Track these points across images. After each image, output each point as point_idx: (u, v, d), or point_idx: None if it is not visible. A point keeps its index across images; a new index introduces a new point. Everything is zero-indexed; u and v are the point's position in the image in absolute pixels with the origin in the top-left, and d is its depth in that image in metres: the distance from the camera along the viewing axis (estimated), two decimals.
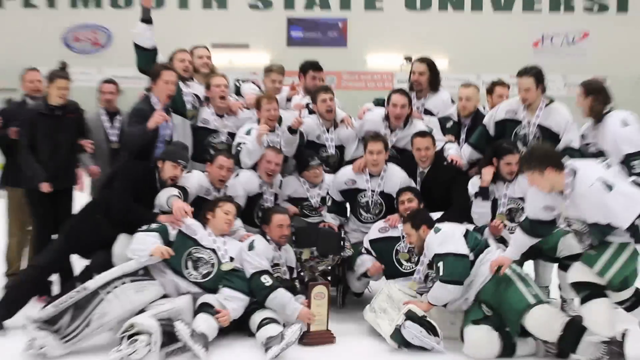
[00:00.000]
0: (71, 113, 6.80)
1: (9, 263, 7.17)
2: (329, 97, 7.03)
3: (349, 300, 6.95)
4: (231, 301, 5.74)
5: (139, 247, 5.73)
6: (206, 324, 5.49)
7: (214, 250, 5.98)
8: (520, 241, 5.50)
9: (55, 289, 6.61)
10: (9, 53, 22.13)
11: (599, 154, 6.10)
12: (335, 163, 7.15)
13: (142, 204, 6.11)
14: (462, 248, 5.61)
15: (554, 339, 5.28)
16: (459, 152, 6.81)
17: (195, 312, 5.67)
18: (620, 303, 5.37)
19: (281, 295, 5.77)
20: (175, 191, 6.10)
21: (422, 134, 6.70)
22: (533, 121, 6.49)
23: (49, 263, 6.13)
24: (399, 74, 23.67)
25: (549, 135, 6.41)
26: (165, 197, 6.05)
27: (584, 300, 5.22)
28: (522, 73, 6.50)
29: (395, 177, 6.70)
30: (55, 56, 20.65)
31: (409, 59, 24.17)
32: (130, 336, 5.09)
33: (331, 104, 7.03)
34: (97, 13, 25.10)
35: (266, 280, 5.81)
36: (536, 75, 6.46)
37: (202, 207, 6.22)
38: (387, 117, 6.97)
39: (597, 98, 6.17)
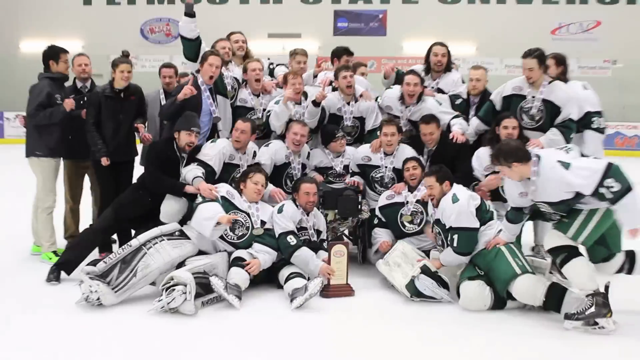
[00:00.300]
0: (132, 95, 6.72)
1: (66, 227, 7.09)
2: (349, 74, 6.87)
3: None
4: (260, 253, 5.68)
5: (207, 215, 5.63)
6: (238, 275, 5.42)
7: (248, 215, 5.86)
8: (510, 229, 5.43)
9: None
10: (95, 43, 22.35)
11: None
12: (356, 133, 7.00)
13: (169, 173, 6.06)
14: (474, 222, 5.49)
15: (539, 303, 5.13)
16: (462, 129, 6.63)
17: (230, 266, 5.59)
18: (619, 271, 5.28)
19: (304, 253, 5.69)
20: (199, 172, 6.00)
21: (426, 120, 6.54)
22: (537, 96, 6.32)
23: (102, 228, 6.13)
24: None
25: (551, 108, 6.28)
26: (190, 178, 5.96)
27: (562, 263, 5.04)
28: (526, 55, 6.33)
29: (406, 155, 6.53)
30: (134, 46, 21.00)
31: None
32: (168, 288, 5.01)
33: (351, 80, 6.86)
34: (170, 8, 25.23)
35: (291, 240, 5.73)
36: (539, 56, 6.29)
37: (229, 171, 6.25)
38: (402, 96, 6.82)
39: (565, 68, 6.59)
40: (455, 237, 5.45)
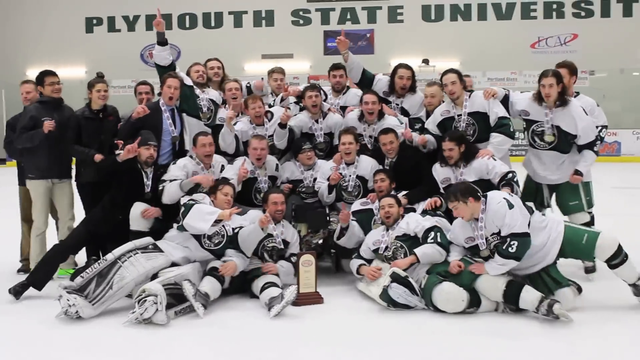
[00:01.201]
0: (110, 115, 6.68)
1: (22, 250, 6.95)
2: (314, 94, 6.86)
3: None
4: (234, 257, 5.67)
5: (208, 210, 5.66)
6: (210, 284, 5.41)
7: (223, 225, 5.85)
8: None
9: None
10: (98, 69, 22.25)
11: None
12: (326, 149, 6.96)
13: (133, 184, 6.09)
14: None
15: (500, 296, 5.10)
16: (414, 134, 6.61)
17: (204, 274, 5.59)
18: None
19: (243, 230, 5.76)
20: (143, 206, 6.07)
21: (384, 131, 6.48)
22: (464, 111, 6.37)
23: (73, 245, 6.17)
24: (418, 74, 23.36)
25: (480, 118, 6.32)
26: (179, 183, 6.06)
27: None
28: (446, 72, 6.46)
29: (367, 163, 6.53)
30: (135, 70, 21.10)
31: (426, 61, 24.10)
32: (141, 300, 4.99)
33: (316, 99, 6.85)
34: (167, 34, 25.22)
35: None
36: (457, 72, 6.43)
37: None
38: (362, 115, 6.77)
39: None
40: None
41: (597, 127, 6.26)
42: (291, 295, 5.21)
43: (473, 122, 6.33)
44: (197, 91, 6.90)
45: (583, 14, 24.17)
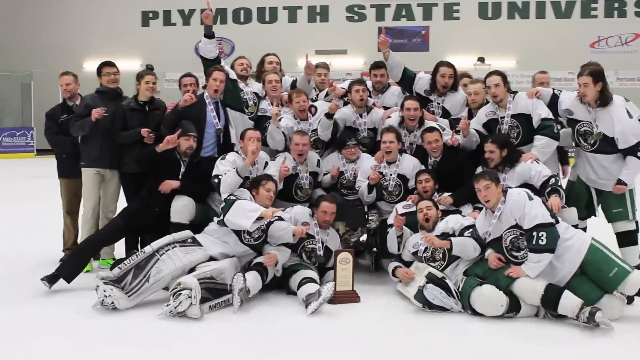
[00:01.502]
0: (157, 109, 6.70)
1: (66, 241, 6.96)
2: (361, 89, 6.79)
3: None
4: (273, 248, 5.68)
5: (251, 207, 5.58)
6: (254, 280, 5.37)
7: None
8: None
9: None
10: (153, 61, 22.61)
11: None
12: (370, 144, 6.85)
13: (170, 173, 6.09)
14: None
15: (538, 301, 4.94)
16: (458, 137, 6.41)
17: (248, 269, 5.56)
18: None
19: (278, 224, 5.78)
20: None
21: (429, 129, 6.36)
22: (508, 114, 6.21)
23: (108, 237, 6.21)
24: (473, 72, 23.15)
25: (524, 120, 6.15)
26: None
27: None
28: (490, 74, 6.33)
29: (409, 162, 6.41)
30: (189, 64, 21.28)
31: (481, 59, 23.77)
32: (175, 293, 5.00)
33: (363, 94, 6.77)
34: (222, 28, 25.51)
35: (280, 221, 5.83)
36: (502, 74, 6.29)
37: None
38: (402, 120, 6.63)
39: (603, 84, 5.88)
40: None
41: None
42: (328, 292, 5.16)
43: (517, 125, 6.15)
44: (241, 85, 6.90)
45: None
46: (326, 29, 25.01)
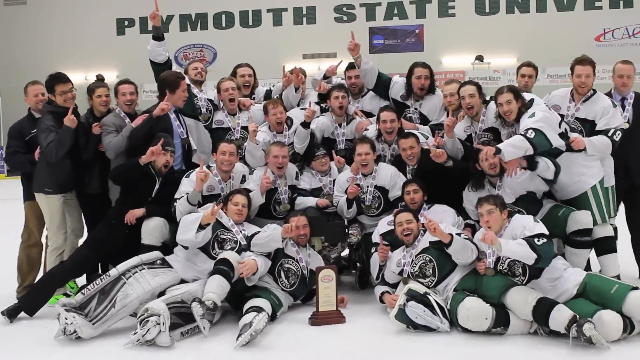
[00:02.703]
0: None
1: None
2: (341, 95, 6.75)
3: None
4: (254, 256, 5.61)
5: (191, 219, 5.65)
6: (218, 288, 5.28)
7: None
8: None
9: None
10: (130, 72, 22.51)
11: None
12: (347, 156, 6.76)
13: (144, 190, 6.05)
14: None
15: (529, 313, 4.88)
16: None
17: (211, 273, 5.47)
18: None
19: (260, 234, 5.77)
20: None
21: (404, 135, 6.32)
22: (480, 127, 6.27)
23: (75, 267, 6.08)
24: (471, 72, 23.38)
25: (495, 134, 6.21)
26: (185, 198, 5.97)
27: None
28: (464, 84, 6.36)
29: (386, 171, 6.37)
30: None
31: (480, 58, 23.85)
32: (143, 320, 4.94)
33: (343, 101, 6.74)
34: (202, 34, 25.74)
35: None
36: (477, 84, 6.30)
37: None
38: (379, 133, 6.58)
39: None
40: (544, 240, 5.08)
41: (610, 129, 5.97)
42: (259, 323, 4.93)
43: (490, 139, 6.16)
44: (195, 90, 6.86)
45: None
46: (314, 31, 25.09)
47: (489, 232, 5.06)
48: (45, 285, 5.99)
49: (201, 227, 5.61)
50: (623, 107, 6.31)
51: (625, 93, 6.39)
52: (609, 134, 5.92)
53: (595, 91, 6.11)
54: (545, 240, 5.07)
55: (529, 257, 4.99)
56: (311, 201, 6.17)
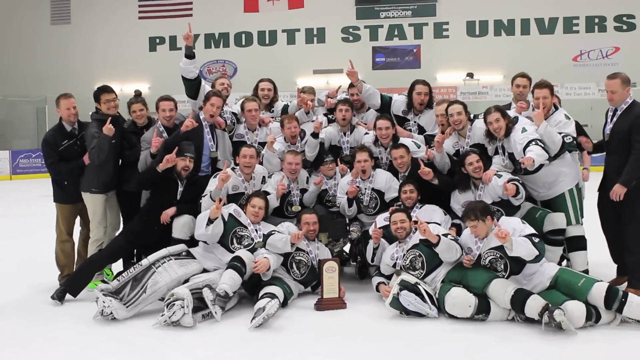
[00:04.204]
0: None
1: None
2: (344, 109, 6.81)
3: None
4: (267, 254, 5.67)
5: (202, 217, 5.80)
6: (230, 280, 5.35)
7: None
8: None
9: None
10: (160, 85, 22.75)
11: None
12: (352, 161, 6.65)
13: (167, 191, 6.10)
14: None
15: (508, 302, 4.96)
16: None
17: (227, 267, 5.54)
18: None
19: (275, 235, 5.82)
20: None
21: (396, 146, 6.37)
22: (467, 142, 6.28)
23: (111, 254, 6.20)
24: (462, 87, 23.44)
25: (482, 150, 6.19)
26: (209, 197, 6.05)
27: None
28: (452, 103, 6.37)
29: (382, 176, 6.43)
30: None
31: (470, 75, 23.87)
32: (169, 303, 5.06)
33: (346, 114, 6.80)
34: (225, 51, 25.88)
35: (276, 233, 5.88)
36: (463, 103, 6.32)
37: (235, 201, 6.22)
38: (376, 139, 6.63)
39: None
40: (537, 240, 5.16)
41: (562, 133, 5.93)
42: (272, 308, 5.05)
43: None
44: None
45: (625, 27, 23.54)
46: (323, 49, 25.13)
47: (501, 229, 5.09)
48: (86, 269, 6.09)
49: (210, 221, 5.71)
50: (612, 118, 5.85)
51: (617, 105, 5.82)
52: (562, 136, 5.88)
53: (557, 108, 6.15)
54: (539, 239, 5.18)
55: (532, 253, 5.08)
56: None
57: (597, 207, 6.09)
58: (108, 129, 6.15)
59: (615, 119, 5.81)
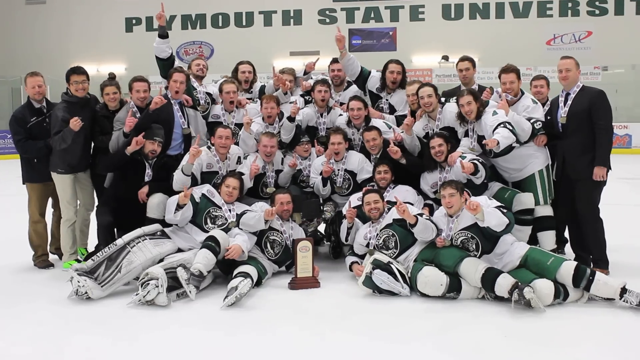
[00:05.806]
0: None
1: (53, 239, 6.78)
2: (324, 89, 6.78)
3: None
4: (239, 235, 5.66)
5: (171, 201, 5.77)
6: (204, 259, 5.33)
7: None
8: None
9: None
10: (136, 66, 22.49)
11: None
12: (328, 142, 6.66)
13: (134, 172, 6.10)
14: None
15: (478, 280, 5.01)
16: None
17: (201, 247, 5.51)
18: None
19: (248, 214, 5.81)
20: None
21: (368, 128, 6.38)
22: (437, 125, 6.29)
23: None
24: (437, 70, 23.44)
25: (451, 133, 6.23)
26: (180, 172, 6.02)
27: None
28: (422, 85, 6.35)
29: (354, 157, 6.45)
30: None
31: (445, 57, 23.89)
32: (143, 283, 5.03)
33: (325, 95, 6.78)
34: (202, 32, 25.66)
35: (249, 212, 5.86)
36: (433, 86, 6.35)
37: (208, 178, 6.20)
38: (349, 120, 6.63)
39: None
40: (505, 211, 5.24)
41: (531, 119, 5.97)
42: (244, 287, 5.04)
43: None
44: (195, 84, 6.87)
45: (597, 12, 23.78)
46: (300, 31, 25.07)
47: (472, 201, 5.15)
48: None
49: (179, 206, 5.69)
50: (565, 102, 5.92)
51: (568, 88, 5.90)
52: (531, 122, 5.93)
53: (523, 92, 6.20)
54: (506, 210, 5.25)
55: (503, 222, 5.13)
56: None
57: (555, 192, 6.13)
58: (74, 124, 6.08)
59: (569, 102, 5.88)
